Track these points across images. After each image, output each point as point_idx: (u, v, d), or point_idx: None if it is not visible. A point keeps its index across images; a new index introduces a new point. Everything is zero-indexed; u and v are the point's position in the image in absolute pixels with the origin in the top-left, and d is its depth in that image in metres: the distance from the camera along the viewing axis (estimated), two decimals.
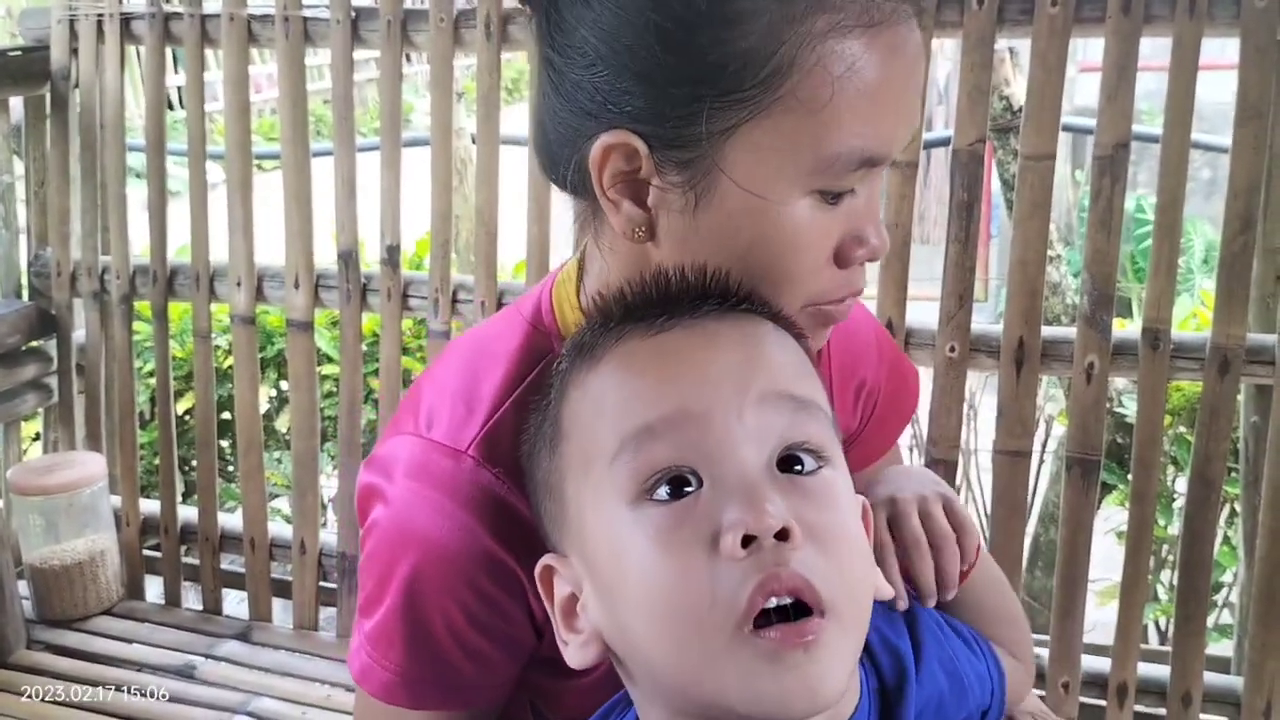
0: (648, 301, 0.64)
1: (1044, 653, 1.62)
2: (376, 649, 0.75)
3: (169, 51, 2.07)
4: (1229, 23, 1.47)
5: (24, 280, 2.19)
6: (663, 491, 0.56)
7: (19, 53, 2.11)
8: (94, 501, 2.07)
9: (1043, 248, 1.56)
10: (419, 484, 0.71)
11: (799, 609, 0.53)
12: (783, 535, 0.54)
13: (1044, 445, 2.68)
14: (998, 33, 1.56)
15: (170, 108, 5.24)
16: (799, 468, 0.58)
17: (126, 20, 2.03)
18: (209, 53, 2.08)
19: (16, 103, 2.16)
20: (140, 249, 2.12)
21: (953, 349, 1.60)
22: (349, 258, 1.92)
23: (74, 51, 2.08)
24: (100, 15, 2.04)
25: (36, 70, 2.10)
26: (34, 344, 2.17)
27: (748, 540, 0.54)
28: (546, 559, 0.64)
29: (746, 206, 0.66)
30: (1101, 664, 1.60)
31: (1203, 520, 1.53)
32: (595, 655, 0.62)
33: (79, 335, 2.17)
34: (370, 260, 1.98)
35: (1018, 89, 2.59)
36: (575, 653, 0.62)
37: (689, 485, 0.56)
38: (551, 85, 0.70)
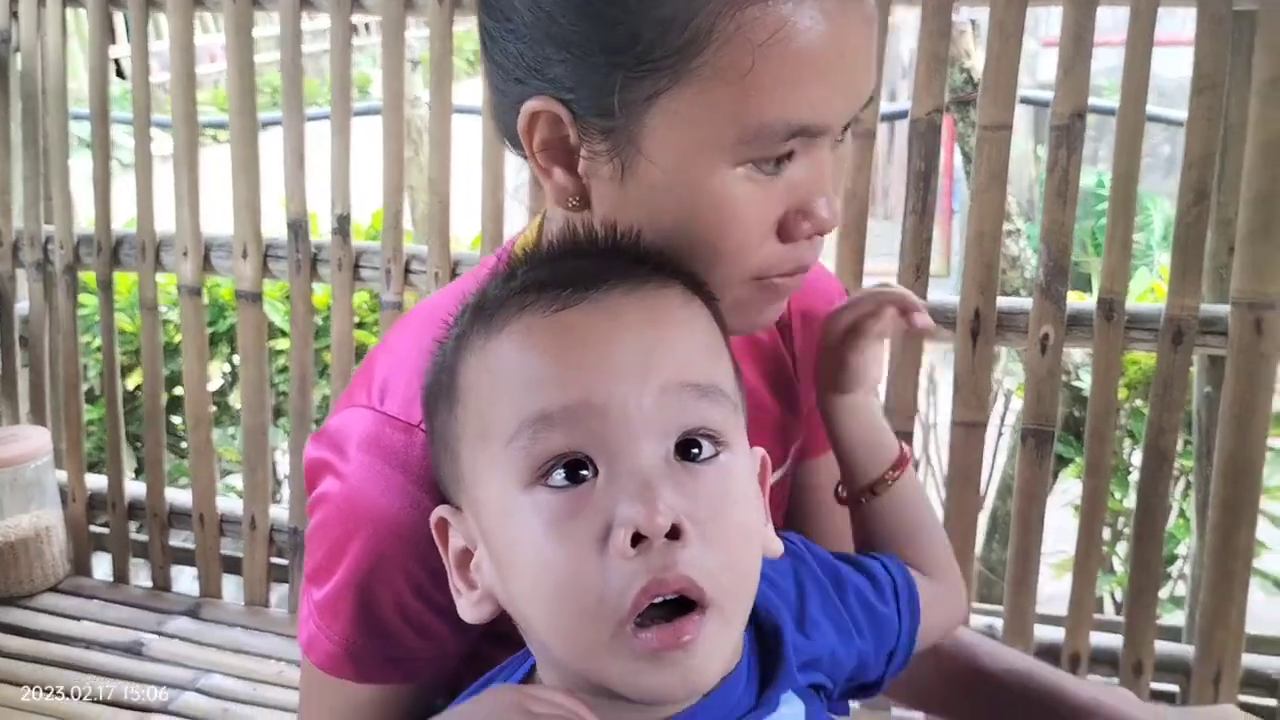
0: (554, 268, 0.61)
1: (998, 624, 1.63)
2: (324, 619, 0.73)
3: (115, 17, 2.01)
4: None
5: None
6: (558, 476, 0.55)
7: None
8: (39, 476, 2.03)
9: (1000, 219, 1.55)
10: (372, 458, 0.69)
11: (682, 602, 0.54)
12: (673, 534, 0.54)
13: (1003, 418, 2.69)
14: (956, 2, 1.54)
15: (120, 75, 5.14)
16: (696, 452, 0.57)
17: None
18: (156, 21, 2.03)
19: None
20: (87, 219, 2.07)
21: None
22: (298, 227, 1.88)
23: (14, 15, 2.01)
24: None
25: None
26: None
27: (638, 539, 0.53)
28: (442, 511, 0.63)
29: (672, 178, 0.64)
30: (1056, 634, 1.61)
31: (1155, 492, 1.54)
32: (489, 613, 0.61)
33: (22, 307, 2.12)
34: (323, 231, 1.94)
35: (979, 61, 2.57)
36: (469, 608, 0.62)
37: (584, 470, 0.55)
38: (486, 52, 0.69)
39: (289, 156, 1.87)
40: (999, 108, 1.53)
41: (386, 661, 0.73)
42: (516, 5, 0.65)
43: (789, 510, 0.90)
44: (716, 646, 0.55)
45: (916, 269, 1.59)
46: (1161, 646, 1.58)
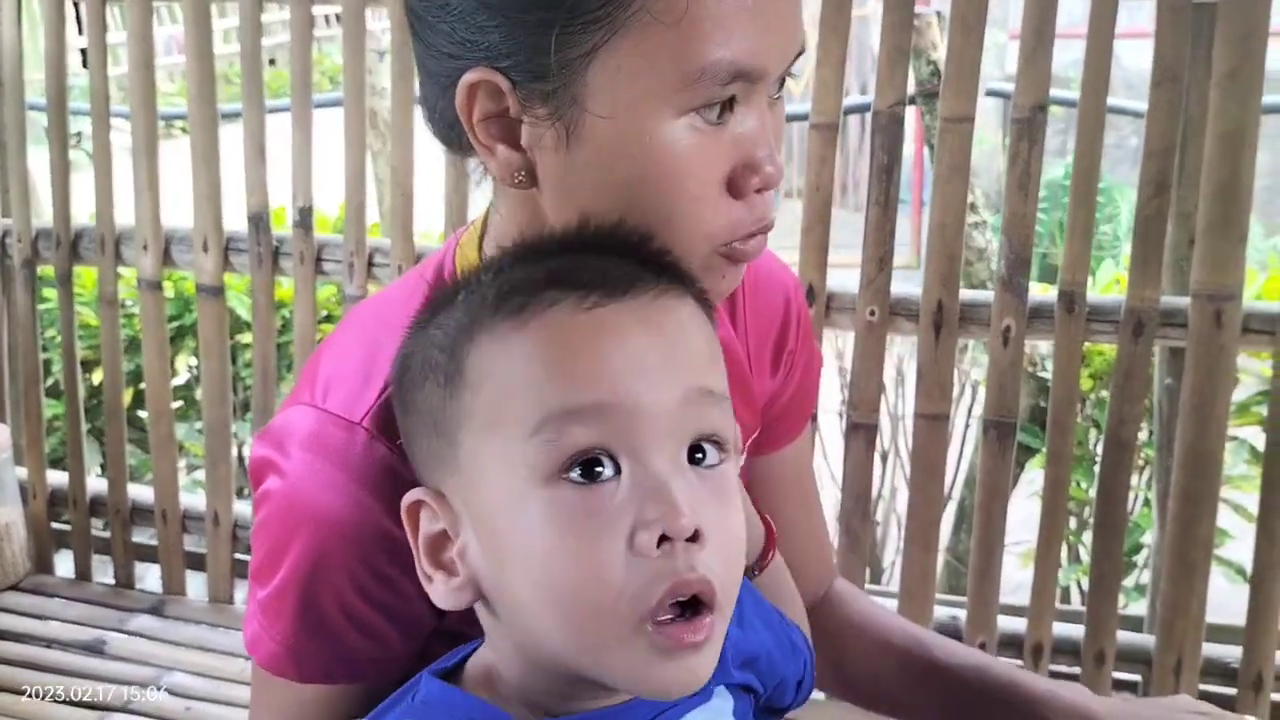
0: (578, 264, 0.61)
1: (961, 614, 1.64)
2: (267, 618, 0.72)
3: (70, 6, 1.99)
4: None
5: None
6: (576, 474, 0.56)
7: None
8: None
9: (962, 211, 1.56)
10: (313, 456, 0.68)
11: (690, 602, 0.56)
12: (694, 537, 0.55)
13: (970, 410, 2.70)
14: None
15: (85, 65, 5.09)
16: (701, 457, 0.58)
17: None
18: (115, 11, 2.00)
19: None
20: (48, 212, 2.05)
21: (873, 312, 1.59)
22: (259, 220, 1.86)
23: None
24: None
25: None
26: None
27: (662, 539, 0.55)
28: (419, 494, 0.62)
29: (618, 135, 0.63)
30: (1019, 624, 1.62)
31: (1117, 482, 1.55)
32: (468, 601, 0.61)
33: None
34: (289, 224, 1.92)
35: (945, 53, 2.57)
36: (444, 594, 0.61)
37: (601, 468, 0.56)
38: (415, 35, 0.68)
39: (249, 148, 1.85)
40: (960, 100, 1.53)
41: (329, 661, 0.72)
42: None
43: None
44: (717, 644, 0.57)
45: (880, 261, 1.59)
46: (1123, 637, 1.59)
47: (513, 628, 0.60)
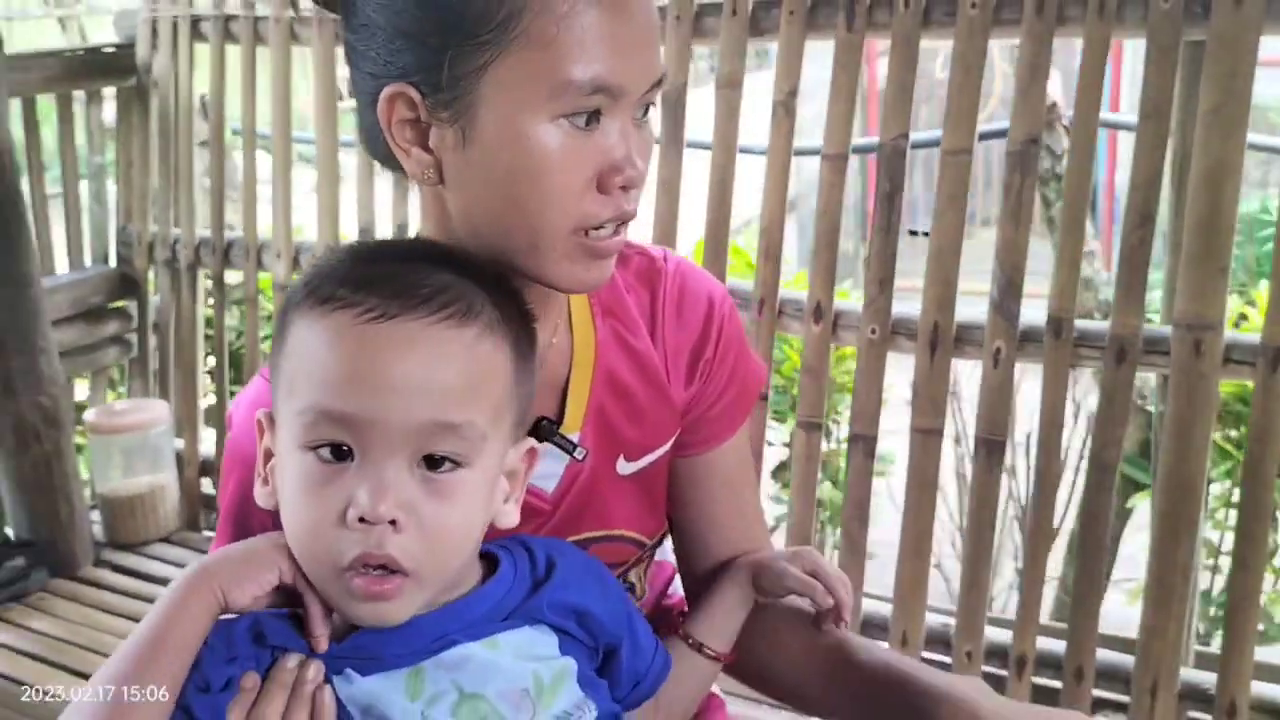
0: (381, 273, 0.75)
1: (950, 622, 1.71)
2: (215, 540, 0.92)
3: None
4: (1137, 24, 1.53)
5: (112, 248, 2.51)
6: (325, 452, 0.71)
7: (112, 49, 2.44)
8: (158, 442, 2.37)
9: (958, 238, 1.64)
10: (247, 411, 0.87)
11: (383, 567, 0.73)
12: (394, 523, 0.71)
13: (1084, 442, 2.67)
14: (923, 33, 1.65)
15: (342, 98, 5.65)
16: (435, 464, 0.74)
17: (196, 21, 2.32)
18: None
19: (111, 92, 2.48)
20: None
21: (874, 331, 1.70)
22: (367, 233, 2.15)
23: (155, 48, 2.38)
24: (175, 16, 2.33)
25: (127, 65, 2.41)
26: (118, 304, 2.49)
27: (362, 519, 0.70)
28: (262, 415, 0.77)
29: (502, 135, 0.77)
30: (1005, 636, 1.68)
31: (1099, 504, 1.59)
32: (272, 506, 0.78)
33: (158, 298, 2.49)
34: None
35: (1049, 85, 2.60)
36: (261, 496, 0.77)
37: (343, 453, 0.73)
38: (350, 63, 0.86)
39: (360, 170, 2.14)
40: (959, 134, 1.63)
41: None
42: (371, 14, 0.81)
43: (679, 499, 1.00)
44: (410, 600, 0.74)
45: (880, 283, 1.69)
46: (1103, 655, 1.63)
47: None
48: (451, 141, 0.79)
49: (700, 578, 0.99)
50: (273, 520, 0.81)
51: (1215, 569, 2.39)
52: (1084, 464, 2.69)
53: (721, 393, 0.99)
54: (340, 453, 0.72)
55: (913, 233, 1.64)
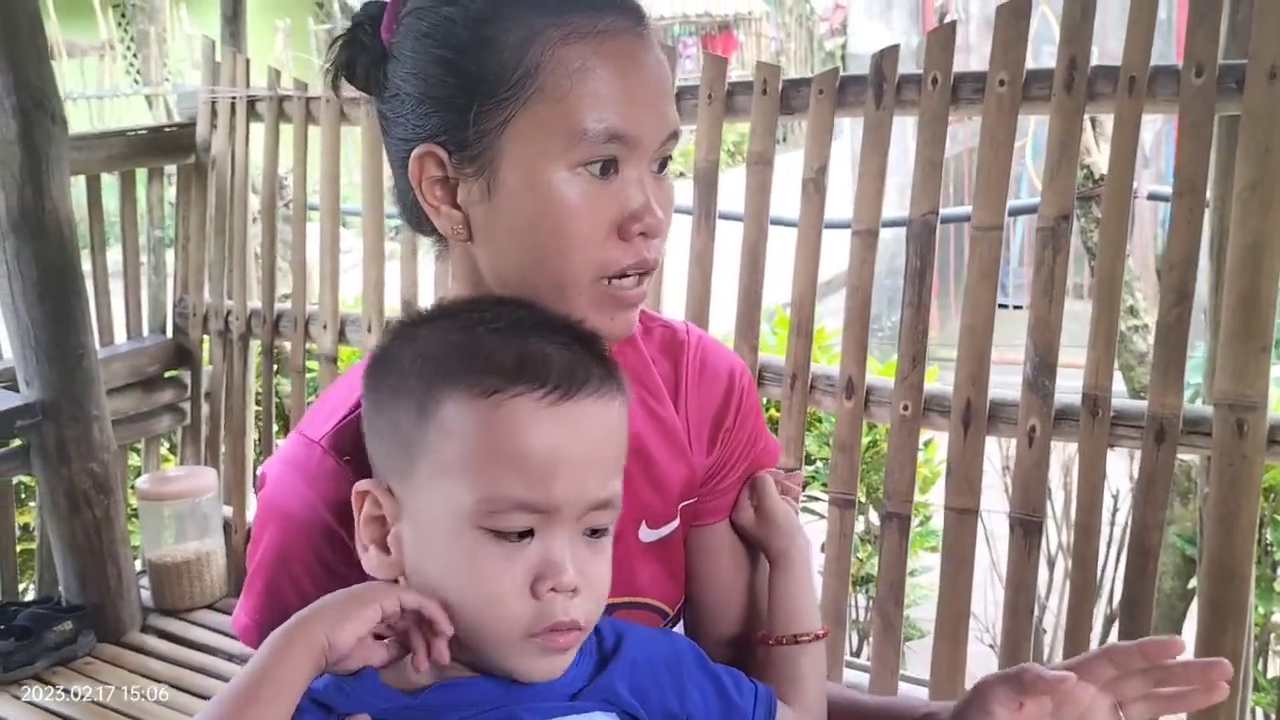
0: (544, 349, 0.77)
1: None
2: (243, 596, 0.93)
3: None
4: (1169, 99, 1.51)
5: (169, 319, 2.58)
6: (514, 535, 0.74)
7: (174, 128, 2.54)
8: (207, 509, 2.42)
9: (991, 313, 1.62)
10: (283, 468, 0.89)
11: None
12: (573, 590, 0.74)
13: (1125, 522, 2.60)
14: (952, 111, 1.65)
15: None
16: (594, 533, 0.78)
17: (252, 102, 2.40)
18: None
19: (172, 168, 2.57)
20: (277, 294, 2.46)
21: (906, 407, 1.68)
22: (410, 306, 2.18)
23: (214, 127, 2.47)
24: (233, 97, 2.42)
25: (187, 143, 2.51)
26: (173, 373, 2.56)
27: (554, 589, 0.74)
28: (369, 485, 0.78)
29: (524, 185, 0.81)
30: None
31: (1140, 588, 1.54)
32: (392, 576, 0.79)
33: (210, 367, 2.55)
34: None
35: (1099, 158, 2.58)
36: (376, 565, 0.78)
37: (523, 533, 0.75)
38: (384, 133, 0.90)
39: (405, 245, 2.19)
40: (989, 211, 1.62)
41: None
42: (401, 85, 0.86)
43: (694, 572, 1.01)
44: (576, 650, 0.78)
45: (913, 359, 1.67)
46: None
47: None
48: (477, 195, 0.83)
49: (712, 655, 0.98)
50: (319, 577, 0.82)
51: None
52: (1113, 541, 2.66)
53: (737, 462, 1.00)
54: (521, 532, 0.74)
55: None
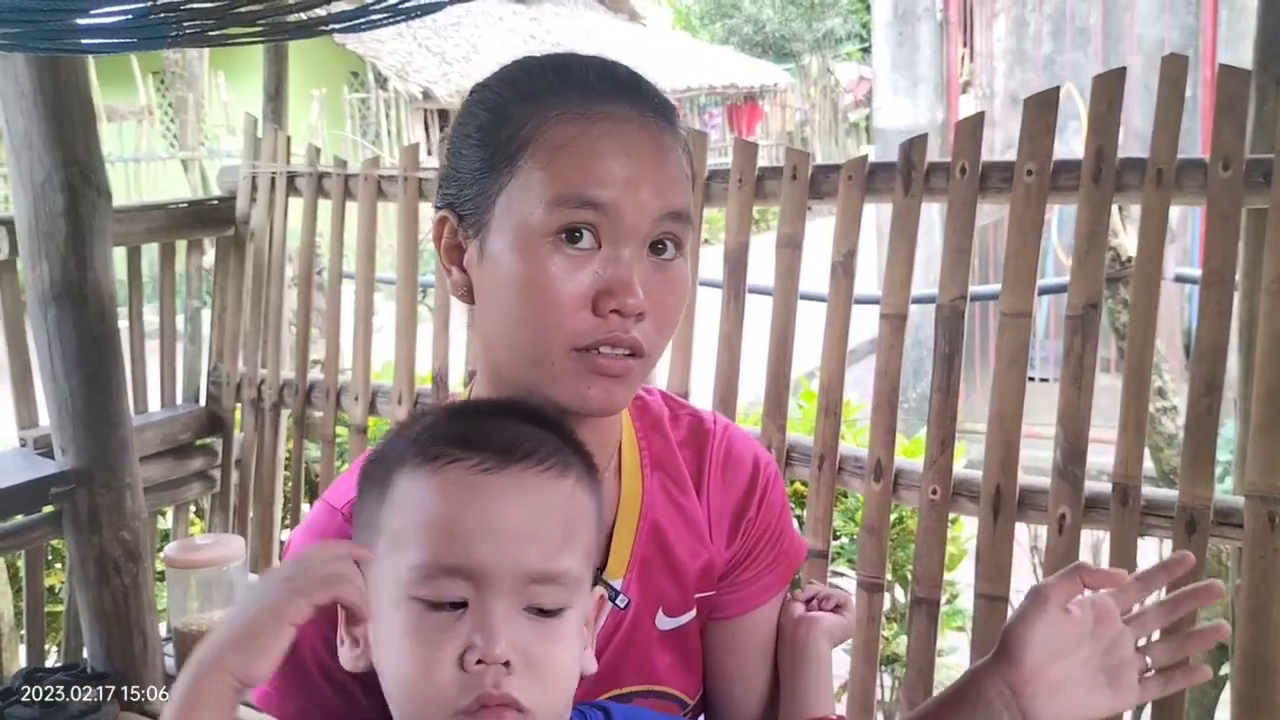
0: (487, 428, 0.80)
1: None
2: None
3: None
4: (1196, 191, 1.53)
5: (203, 387, 2.62)
6: (446, 605, 0.75)
7: (215, 202, 2.59)
8: (234, 577, 2.42)
9: (1020, 399, 1.63)
10: (306, 535, 0.93)
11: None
12: (507, 665, 0.73)
13: None
14: (980, 199, 1.67)
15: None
16: (544, 611, 0.77)
17: (292, 177, 2.46)
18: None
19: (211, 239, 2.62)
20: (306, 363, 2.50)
21: (935, 491, 1.68)
22: (440, 379, 2.21)
23: (254, 200, 2.52)
24: (274, 173, 2.47)
25: (226, 216, 2.56)
26: (205, 441, 2.59)
27: (479, 661, 0.75)
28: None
29: (507, 247, 0.84)
30: None
31: None
32: (363, 668, 0.80)
33: (241, 435, 2.58)
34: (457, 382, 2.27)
35: (1126, 240, 2.60)
36: (348, 658, 0.79)
37: (454, 603, 0.76)
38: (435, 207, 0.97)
39: (436, 319, 2.22)
40: (1017, 297, 1.63)
41: (305, 706, 0.90)
42: (443, 161, 0.93)
43: (714, 666, 1.01)
44: None
45: (942, 443, 1.68)
46: None
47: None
48: (474, 256, 0.88)
49: None
50: (332, 641, 0.82)
51: None
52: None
53: (760, 555, 1.01)
54: (455, 603, 0.75)
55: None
